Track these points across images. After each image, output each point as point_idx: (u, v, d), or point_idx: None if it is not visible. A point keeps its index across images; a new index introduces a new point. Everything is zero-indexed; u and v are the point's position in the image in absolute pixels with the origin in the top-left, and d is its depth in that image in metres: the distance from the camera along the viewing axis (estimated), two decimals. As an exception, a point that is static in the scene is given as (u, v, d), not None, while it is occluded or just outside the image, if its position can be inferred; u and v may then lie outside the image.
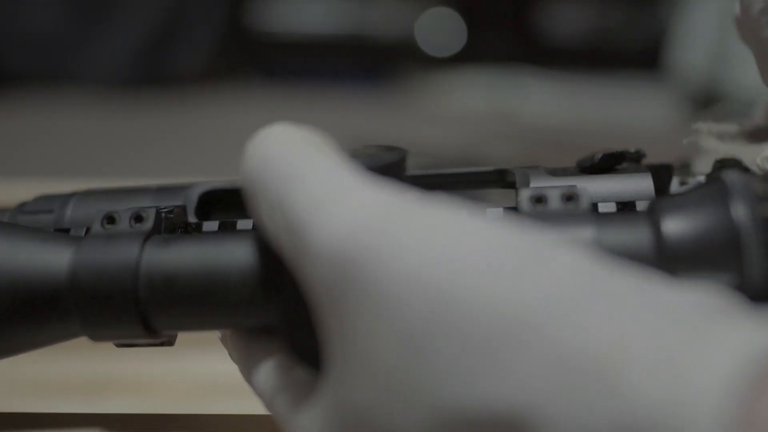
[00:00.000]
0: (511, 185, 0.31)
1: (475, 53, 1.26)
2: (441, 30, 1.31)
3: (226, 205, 0.32)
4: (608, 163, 0.31)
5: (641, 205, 0.28)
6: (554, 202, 0.25)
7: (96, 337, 0.26)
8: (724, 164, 0.30)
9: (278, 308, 0.25)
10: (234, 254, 0.26)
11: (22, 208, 0.32)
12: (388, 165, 0.24)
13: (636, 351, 0.16)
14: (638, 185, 0.29)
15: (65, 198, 0.32)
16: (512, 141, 0.74)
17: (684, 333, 0.16)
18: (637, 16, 1.87)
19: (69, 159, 0.82)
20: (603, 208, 0.28)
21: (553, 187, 0.25)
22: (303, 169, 0.22)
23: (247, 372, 0.27)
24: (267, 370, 0.26)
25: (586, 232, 0.23)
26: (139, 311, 0.25)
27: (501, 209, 0.28)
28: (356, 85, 1.19)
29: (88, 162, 0.82)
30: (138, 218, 0.27)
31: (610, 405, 0.15)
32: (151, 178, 0.56)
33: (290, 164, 0.22)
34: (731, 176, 0.23)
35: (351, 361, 0.20)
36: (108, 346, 0.28)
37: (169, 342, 0.28)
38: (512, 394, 0.17)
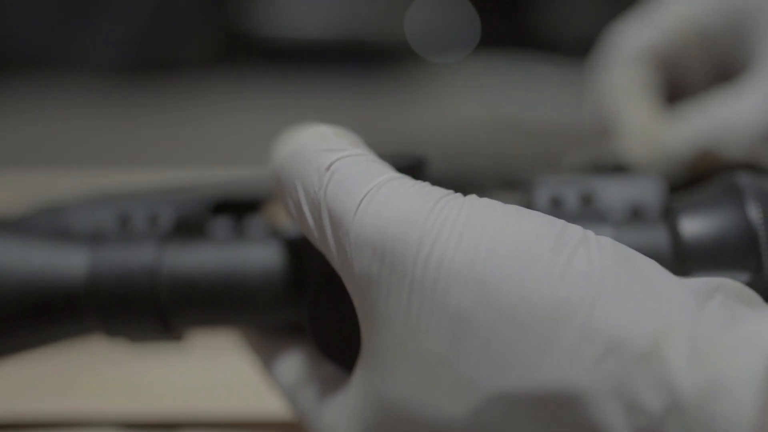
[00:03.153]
0: (522, 187, 0.31)
1: (484, 43, 1.24)
2: (446, 20, 1.30)
3: (235, 207, 0.31)
4: (620, 165, 0.31)
5: (656, 208, 0.27)
6: (571, 203, 0.25)
7: (113, 335, 0.27)
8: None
9: (302, 307, 0.25)
10: (255, 256, 0.26)
11: (24, 220, 0.31)
12: (412, 167, 0.24)
13: (676, 341, 0.17)
14: (652, 188, 0.28)
15: (68, 209, 0.31)
16: (517, 135, 0.73)
17: (715, 322, 0.17)
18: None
19: (67, 148, 0.81)
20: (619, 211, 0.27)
21: (569, 186, 0.25)
22: (342, 161, 0.22)
23: (267, 363, 0.27)
24: (290, 363, 0.26)
25: (604, 233, 0.23)
26: (159, 312, 0.26)
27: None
28: (360, 76, 1.18)
29: (88, 151, 0.81)
30: (154, 219, 0.27)
31: (659, 390, 0.17)
32: (151, 168, 0.56)
33: (327, 155, 0.22)
34: (744, 179, 0.23)
35: (391, 349, 0.20)
36: (90, 346, 0.28)
37: (179, 336, 0.28)
38: (569, 375, 0.17)
